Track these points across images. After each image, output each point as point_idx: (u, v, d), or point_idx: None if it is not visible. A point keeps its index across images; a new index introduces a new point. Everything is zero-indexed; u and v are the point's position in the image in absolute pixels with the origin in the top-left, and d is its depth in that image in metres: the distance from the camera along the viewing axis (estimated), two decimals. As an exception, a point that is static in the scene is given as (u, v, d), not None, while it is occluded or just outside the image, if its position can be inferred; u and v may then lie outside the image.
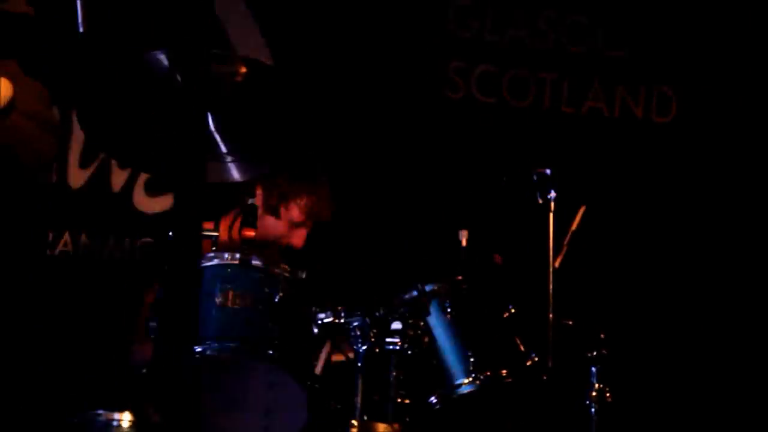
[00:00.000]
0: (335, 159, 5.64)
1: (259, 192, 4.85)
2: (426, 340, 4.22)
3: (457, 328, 4.35)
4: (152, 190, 6.19)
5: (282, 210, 4.88)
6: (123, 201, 6.16)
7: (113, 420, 4.01)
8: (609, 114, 6.74)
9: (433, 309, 4.34)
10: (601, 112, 6.74)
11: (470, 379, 4.32)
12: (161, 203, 6.16)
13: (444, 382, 4.34)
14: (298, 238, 4.92)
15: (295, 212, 4.88)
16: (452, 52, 6.61)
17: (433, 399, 4.33)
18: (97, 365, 5.31)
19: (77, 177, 6.14)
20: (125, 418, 4.00)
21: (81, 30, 3.66)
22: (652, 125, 6.75)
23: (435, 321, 4.35)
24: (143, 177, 6.19)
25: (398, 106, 6.39)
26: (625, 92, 6.77)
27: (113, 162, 6.15)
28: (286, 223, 4.90)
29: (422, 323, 4.22)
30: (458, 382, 4.33)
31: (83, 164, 6.16)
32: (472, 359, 4.30)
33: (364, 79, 6.37)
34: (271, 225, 4.89)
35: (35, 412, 5.22)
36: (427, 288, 4.33)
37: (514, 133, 6.54)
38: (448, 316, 4.36)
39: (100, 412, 4.01)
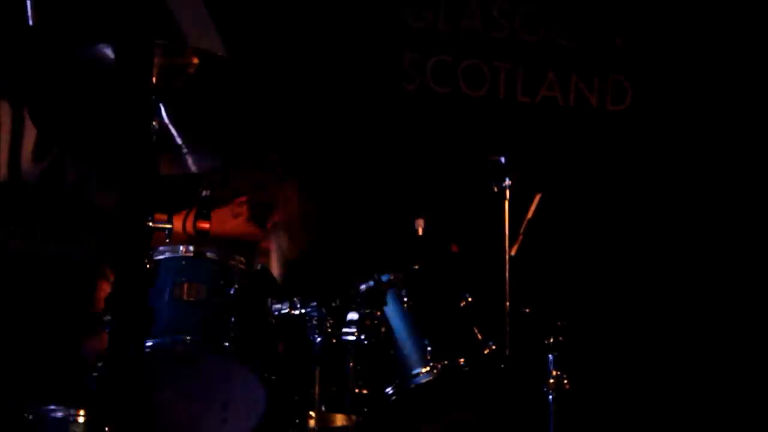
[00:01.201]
0: (291, 151, 5.63)
1: (243, 201, 4.89)
2: (383, 330, 4.20)
3: (413, 317, 4.34)
4: (107, 185, 6.12)
5: (269, 223, 4.97)
6: (78, 195, 6.07)
7: (69, 416, 3.97)
8: (564, 103, 6.75)
9: (389, 299, 4.33)
10: (556, 101, 6.74)
11: (427, 368, 4.30)
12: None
13: (401, 371, 4.32)
14: (269, 242, 5.02)
15: (276, 218, 4.98)
16: (407, 43, 6.60)
17: (389, 389, 4.31)
18: (50, 360, 5.26)
19: (31, 171, 6.05)
20: (80, 414, 3.96)
21: (31, 23, 3.62)
22: (606, 113, 6.75)
23: (392, 311, 4.34)
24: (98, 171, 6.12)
25: (354, 98, 6.38)
26: (579, 81, 6.77)
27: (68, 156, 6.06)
28: (265, 231, 4.98)
29: (379, 313, 4.20)
30: (415, 371, 4.31)
31: (37, 158, 6.08)
32: (429, 348, 4.29)
33: (319, 72, 6.34)
34: (252, 232, 4.94)
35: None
36: (384, 278, 4.32)
37: (470, 123, 6.53)
38: (405, 305, 4.34)
39: (54, 407, 4.00)
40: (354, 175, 6.20)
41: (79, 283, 4.84)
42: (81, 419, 3.96)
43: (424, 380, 4.29)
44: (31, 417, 3.96)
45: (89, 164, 6.00)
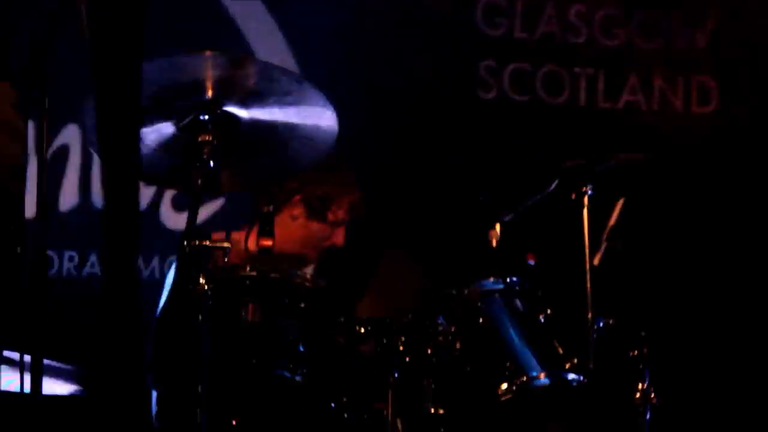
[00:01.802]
0: (367, 164, 5.63)
1: (297, 201, 4.72)
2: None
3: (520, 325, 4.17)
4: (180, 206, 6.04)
5: (329, 214, 4.76)
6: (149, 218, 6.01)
7: None
8: (647, 107, 6.60)
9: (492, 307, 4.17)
10: (639, 106, 6.59)
11: (544, 373, 4.12)
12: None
13: (513, 374, 4.12)
14: (340, 236, 4.81)
15: (341, 213, 4.77)
16: (482, 52, 6.48)
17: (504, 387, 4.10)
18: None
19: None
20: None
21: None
22: (692, 116, 6.60)
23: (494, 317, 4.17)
24: (171, 193, 6.05)
25: (429, 110, 6.27)
26: (663, 84, 6.60)
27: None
28: (330, 225, 4.78)
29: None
30: (534, 374, 4.13)
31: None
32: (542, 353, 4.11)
33: (393, 85, 6.25)
34: (316, 230, 4.78)
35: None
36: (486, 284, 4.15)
37: (550, 131, 6.41)
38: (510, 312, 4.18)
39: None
40: (425, 184, 6.08)
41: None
42: None
43: (541, 384, 4.10)
44: None
45: (160, 187, 5.99)
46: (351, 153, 5.30)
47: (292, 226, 4.75)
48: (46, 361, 2.77)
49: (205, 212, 5.96)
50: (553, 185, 4.56)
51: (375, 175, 5.72)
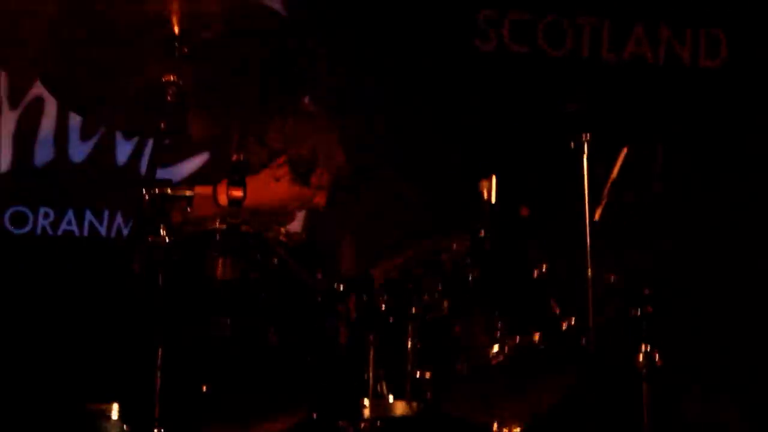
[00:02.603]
0: (358, 115, 5.55)
1: (282, 161, 4.56)
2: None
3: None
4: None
5: (313, 178, 4.63)
6: (129, 174, 5.78)
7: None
8: (653, 60, 6.43)
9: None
10: (645, 58, 6.42)
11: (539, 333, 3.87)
12: (175, 172, 5.76)
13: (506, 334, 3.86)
14: (322, 198, 4.69)
15: (325, 177, 4.67)
16: (481, 1, 6.33)
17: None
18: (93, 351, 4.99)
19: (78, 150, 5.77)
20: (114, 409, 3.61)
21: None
22: (699, 70, 6.45)
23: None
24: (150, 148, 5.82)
25: (425, 61, 6.11)
26: (670, 35, 6.44)
27: (117, 134, 5.78)
28: (313, 189, 4.66)
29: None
30: (527, 335, 3.86)
31: (84, 137, 5.79)
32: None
33: (387, 35, 6.08)
34: (299, 193, 4.62)
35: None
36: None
37: (550, 84, 6.22)
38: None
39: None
40: (415, 135, 5.89)
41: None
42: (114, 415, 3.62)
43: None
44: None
45: (141, 139, 5.77)
46: (341, 104, 5.13)
47: (274, 187, 4.56)
48: None
49: (187, 167, 5.75)
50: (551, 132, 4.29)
51: (365, 126, 5.57)
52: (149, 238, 3.19)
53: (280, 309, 3.62)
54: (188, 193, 3.25)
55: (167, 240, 3.20)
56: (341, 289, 3.71)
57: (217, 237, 3.60)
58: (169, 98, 3.45)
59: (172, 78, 3.46)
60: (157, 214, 3.21)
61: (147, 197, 3.21)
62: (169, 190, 3.23)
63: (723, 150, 6.22)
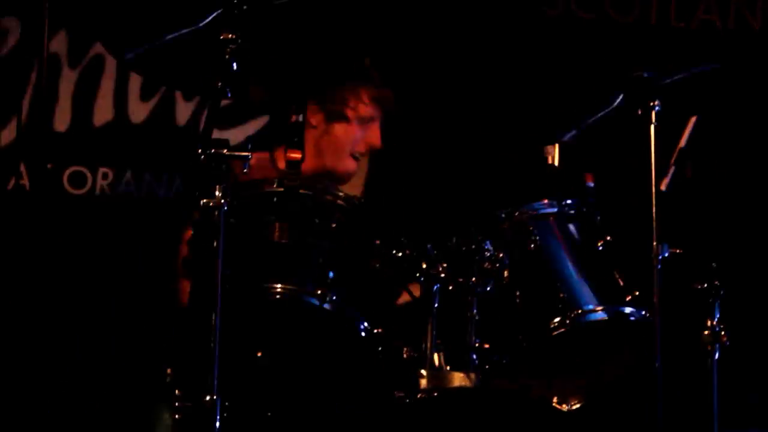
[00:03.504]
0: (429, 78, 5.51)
1: (313, 106, 4.34)
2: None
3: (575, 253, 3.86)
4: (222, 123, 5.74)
5: (349, 111, 4.39)
6: (189, 136, 5.72)
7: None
8: (722, 26, 6.30)
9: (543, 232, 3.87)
10: (714, 25, 6.30)
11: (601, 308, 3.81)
12: (233, 135, 5.70)
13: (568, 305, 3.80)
14: (375, 136, 4.45)
15: (362, 108, 4.41)
16: None
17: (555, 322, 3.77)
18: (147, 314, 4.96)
19: (138, 111, 5.72)
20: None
21: None
22: None
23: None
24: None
25: (492, 26, 6.00)
26: (740, 1, 6.31)
27: (177, 94, 5.72)
28: (358, 124, 4.42)
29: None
30: (588, 307, 3.81)
31: (144, 97, 5.74)
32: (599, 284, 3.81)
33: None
34: (343, 132, 4.41)
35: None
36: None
37: (618, 51, 6.10)
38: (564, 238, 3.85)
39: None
40: (479, 101, 5.77)
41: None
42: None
43: (597, 318, 3.77)
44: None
45: (202, 100, 5.71)
46: (401, 70, 5.02)
47: (315, 136, 4.41)
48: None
49: (247, 130, 5.70)
50: (618, 99, 4.17)
51: (426, 91, 5.49)
52: (203, 201, 3.11)
53: (337, 277, 3.54)
54: (245, 153, 3.15)
55: (222, 202, 3.11)
56: (400, 256, 3.62)
57: (275, 200, 3.54)
58: (227, 56, 3.36)
59: (230, 36, 3.37)
60: (212, 175, 3.13)
61: (203, 157, 3.13)
62: (225, 151, 3.13)
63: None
